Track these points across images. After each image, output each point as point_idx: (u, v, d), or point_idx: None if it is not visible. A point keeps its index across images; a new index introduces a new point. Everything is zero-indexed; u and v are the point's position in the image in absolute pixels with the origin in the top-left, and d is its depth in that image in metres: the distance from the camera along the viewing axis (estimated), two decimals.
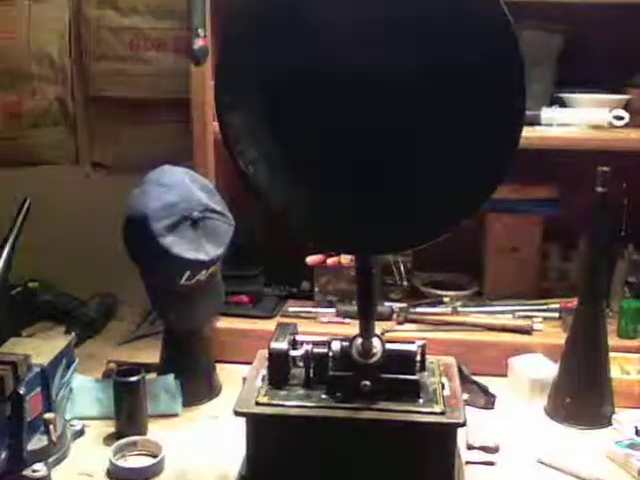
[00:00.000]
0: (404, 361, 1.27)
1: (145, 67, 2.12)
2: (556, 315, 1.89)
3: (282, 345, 1.29)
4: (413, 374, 1.27)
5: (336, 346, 1.27)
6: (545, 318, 1.88)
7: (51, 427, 1.37)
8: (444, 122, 1.05)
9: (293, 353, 1.30)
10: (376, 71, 1.04)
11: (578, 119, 1.79)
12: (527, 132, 1.66)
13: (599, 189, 1.52)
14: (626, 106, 1.81)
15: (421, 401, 1.25)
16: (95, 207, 2.15)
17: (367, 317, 1.26)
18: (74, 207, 2.20)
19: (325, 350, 1.28)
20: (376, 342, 1.26)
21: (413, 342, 1.30)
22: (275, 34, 1.05)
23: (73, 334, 1.77)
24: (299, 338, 1.34)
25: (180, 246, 1.48)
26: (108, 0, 2.10)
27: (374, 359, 1.25)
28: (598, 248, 1.56)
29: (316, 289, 1.94)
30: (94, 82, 2.16)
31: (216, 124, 1.68)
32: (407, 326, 1.84)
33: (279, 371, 1.29)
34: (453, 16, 1.01)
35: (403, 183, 1.09)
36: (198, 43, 1.63)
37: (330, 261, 1.89)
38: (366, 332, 1.25)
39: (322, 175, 1.09)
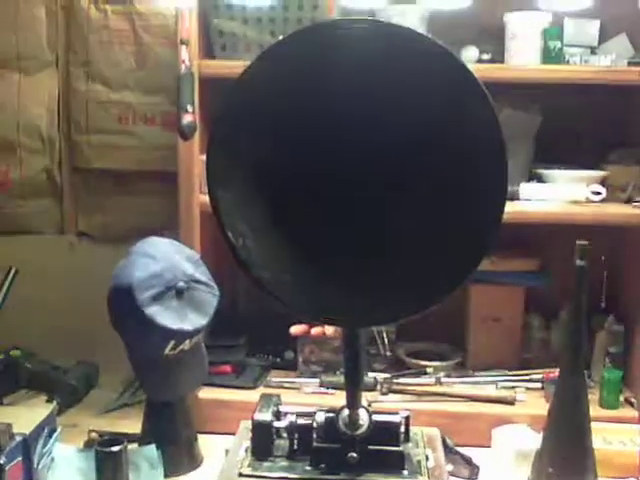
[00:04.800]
0: (389, 432, 1.28)
1: (133, 140, 2.17)
2: (539, 385, 1.90)
3: (266, 416, 1.30)
4: (398, 445, 1.27)
5: (320, 417, 1.27)
6: (528, 388, 1.90)
7: None
8: (432, 202, 1.08)
9: (277, 424, 1.30)
10: (367, 153, 1.08)
11: (556, 194, 1.83)
12: (507, 207, 1.70)
13: (578, 262, 1.55)
14: (603, 182, 1.86)
15: (406, 472, 1.25)
16: (79, 276, 2.17)
17: (354, 388, 1.26)
18: (58, 276, 2.21)
19: (310, 421, 1.28)
20: (363, 413, 1.26)
21: (397, 413, 1.31)
22: (267, 116, 1.09)
23: (55, 403, 1.76)
24: (283, 409, 1.34)
25: (164, 316, 1.49)
26: (98, 75, 2.15)
27: (361, 430, 1.26)
28: (579, 320, 1.57)
29: (300, 359, 1.94)
30: (82, 154, 2.20)
31: (202, 196, 1.75)
32: (391, 397, 1.85)
33: (263, 442, 1.29)
34: (448, 115, 1.06)
35: (391, 258, 1.11)
36: (186, 119, 1.67)
37: (314, 331, 1.90)
38: (353, 403, 1.26)
39: (311, 250, 1.12)
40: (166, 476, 1.59)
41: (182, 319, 1.52)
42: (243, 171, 1.12)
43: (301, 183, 1.10)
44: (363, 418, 1.26)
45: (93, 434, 1.71)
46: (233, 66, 1.52)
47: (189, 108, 1.66)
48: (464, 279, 1.13)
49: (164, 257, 1.54)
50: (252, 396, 1.68)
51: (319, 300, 1.14)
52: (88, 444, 1.67)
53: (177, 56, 1.69)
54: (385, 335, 1.97)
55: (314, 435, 1.27)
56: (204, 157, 1.14)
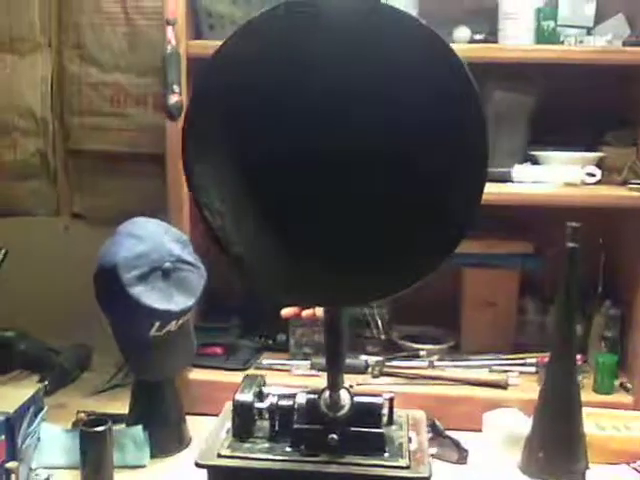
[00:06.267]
0: (370, 414, 1.26)
1: (125, 122, 2.17)
2: (533, 370, 1.88)
3: (247, 397, 1.29)
4: (379, 427, 1.26)
5: (301, 399, 1.26)
6: (522, 373, 1.88)
7: (13, 476, 1.35)
8: (411, 179, 1.06)
9: (258, 405, 1.29)
10: (346, 133, 1.06)
11: (550, 176, 1.80)
12: (499, 188, 1.67)
13: (570, 244, 1.53)
14: (599, 164, 1.84)
15: (387, 455, 1.24)
16: (73, 258, 2.16)
17: (335, 369, 1.25)
18: (52, 258, 2.21)
19: (291, 402, 1.27)
20: (344, 395, 1.25)
21: (380, 395, 1.29)
22: (245, 91, 1.08)
23: (43, 383, 1.77)
24: (266, 390, 1.33)
25: (150, 296, 1.48)
26: (90, 57, 2.15)
27: (342, 412, 1.24)
28: (570, 303, 1.56)
29: (291, 342, 1.93)
30: (75, 136, 2.20)
31: None
32: (382, 379, 1.83)
33: (243, 423, 1.28)
34: (420, 84, 1.04)
35: (370, 236, 1.10)
36: (173, 99, 1.66)
37: (305, 314, 1.89)
38: (334, 384, 1.25)
39: (289, 227, 1.10)
40: (153, 456, 1.59)
41: (168, 300, 1.51)
42: (220, 147, 1.10)
43: (280, 160, 1.09)
44: (345, 400, 1.25)
45: (81, 414, 1.70)
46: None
47: (176, 88, 1.66)
48: (443, 259, 1.11)
49: (150, 237, 1.53)
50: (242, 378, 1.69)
51: (298, 280, 1.13)
52: (76, 424, 1.67)
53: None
54: (379, 318, 1.95)
55: (295, 416, 1.26)
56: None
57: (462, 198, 1.07)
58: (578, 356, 1.68)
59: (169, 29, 1.64)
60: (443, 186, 1.07)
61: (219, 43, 1.65)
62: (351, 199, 1.08)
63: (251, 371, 1.83)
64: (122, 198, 2.18)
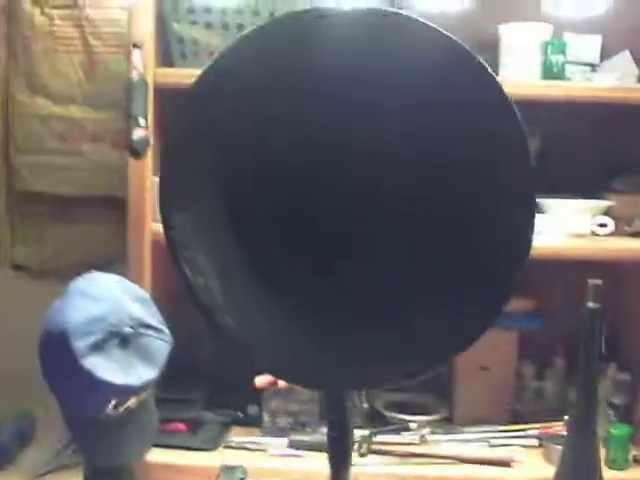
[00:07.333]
0: None
1: (78, 161, 1.97)
2: (535, 442, 1.70)
3: None
4: None
5: None
6: (523, 446, 1.70)
7: None
8: (442, 227, 0.87)
9: None
10: (359, 178, 0.88)
11: (556, 226, 1.65)
12: None
13: (590, 304, 1.36)
14: (606, 213, 1.69)
15: None
16: (15, 315, 1.93)
17: (341, 467, 1.03)
18: None
19: None
20: None
21: None
22: (236, 125, 0.89)
23: None
24: None
25: (106, 369, 1.24)
26: (41, 87, 1.96)
27: None
28: (590, 371, 1.38)
29: (265, 415, 1.71)
30: (20, 176, 2.00)
31: (155, 224, 1.53)
32: (371, 458, 1.62)
33: None
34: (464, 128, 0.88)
35: (386, 310, 0.90)
36: (138, 133, 1.46)
37: (282, 383, 1.66)
38: None
39: (290, 292, 0.90)
40: None
41: (127, 372, 1.27)
42: (205, 193, 0.91)
43: (277, 210, 0.89)
44: None
45: None
46: (194, 75, 1.32)
47: (141, 121, 1.45)
48: (471, 342, 0.92)
49: (107, 297, 1.30)
50: (210, 459, 1.53)
51: (294, 357, 0.92)
52: None
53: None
54: None
55: None
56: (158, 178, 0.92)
57: (508, 245, 0.88)
58: None
59: (136, 53, 1.44)
60: (483, 232, 0.87)
61: (193, 71, 1.48)
62: (368, 261, 0.88)
63: (220, 451, 1.61)
64: (72, 248, 1.99)
